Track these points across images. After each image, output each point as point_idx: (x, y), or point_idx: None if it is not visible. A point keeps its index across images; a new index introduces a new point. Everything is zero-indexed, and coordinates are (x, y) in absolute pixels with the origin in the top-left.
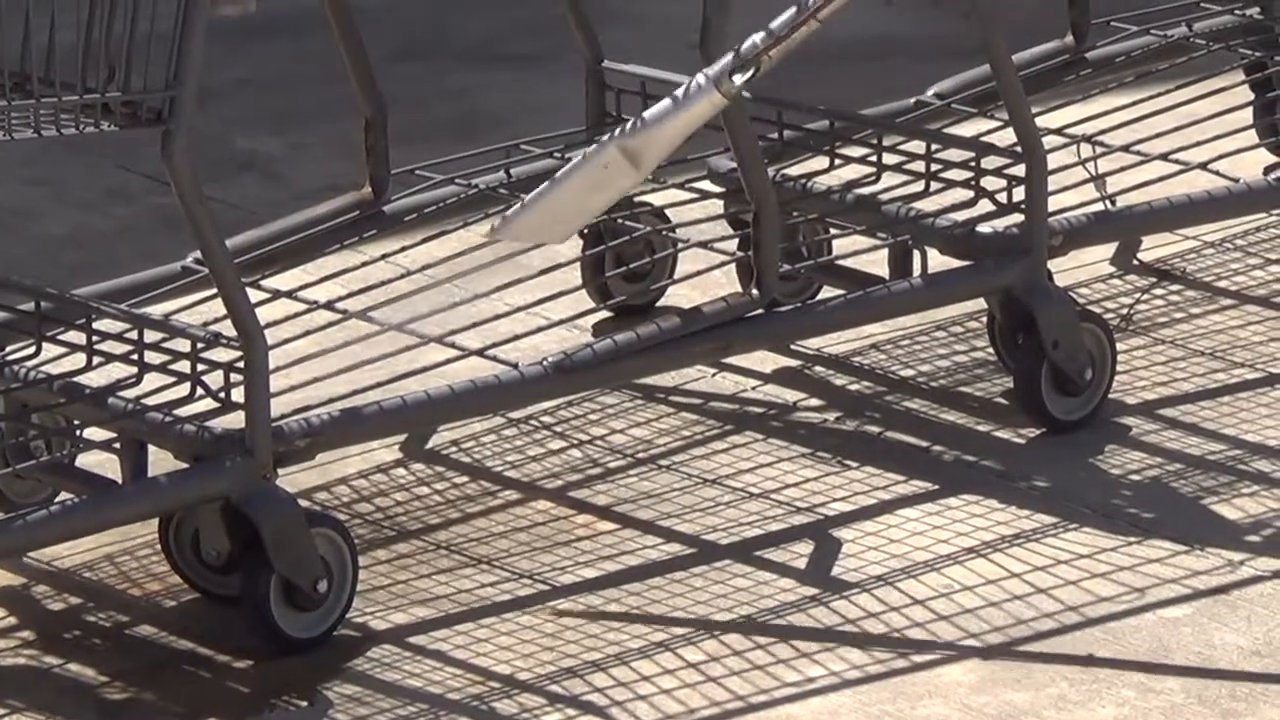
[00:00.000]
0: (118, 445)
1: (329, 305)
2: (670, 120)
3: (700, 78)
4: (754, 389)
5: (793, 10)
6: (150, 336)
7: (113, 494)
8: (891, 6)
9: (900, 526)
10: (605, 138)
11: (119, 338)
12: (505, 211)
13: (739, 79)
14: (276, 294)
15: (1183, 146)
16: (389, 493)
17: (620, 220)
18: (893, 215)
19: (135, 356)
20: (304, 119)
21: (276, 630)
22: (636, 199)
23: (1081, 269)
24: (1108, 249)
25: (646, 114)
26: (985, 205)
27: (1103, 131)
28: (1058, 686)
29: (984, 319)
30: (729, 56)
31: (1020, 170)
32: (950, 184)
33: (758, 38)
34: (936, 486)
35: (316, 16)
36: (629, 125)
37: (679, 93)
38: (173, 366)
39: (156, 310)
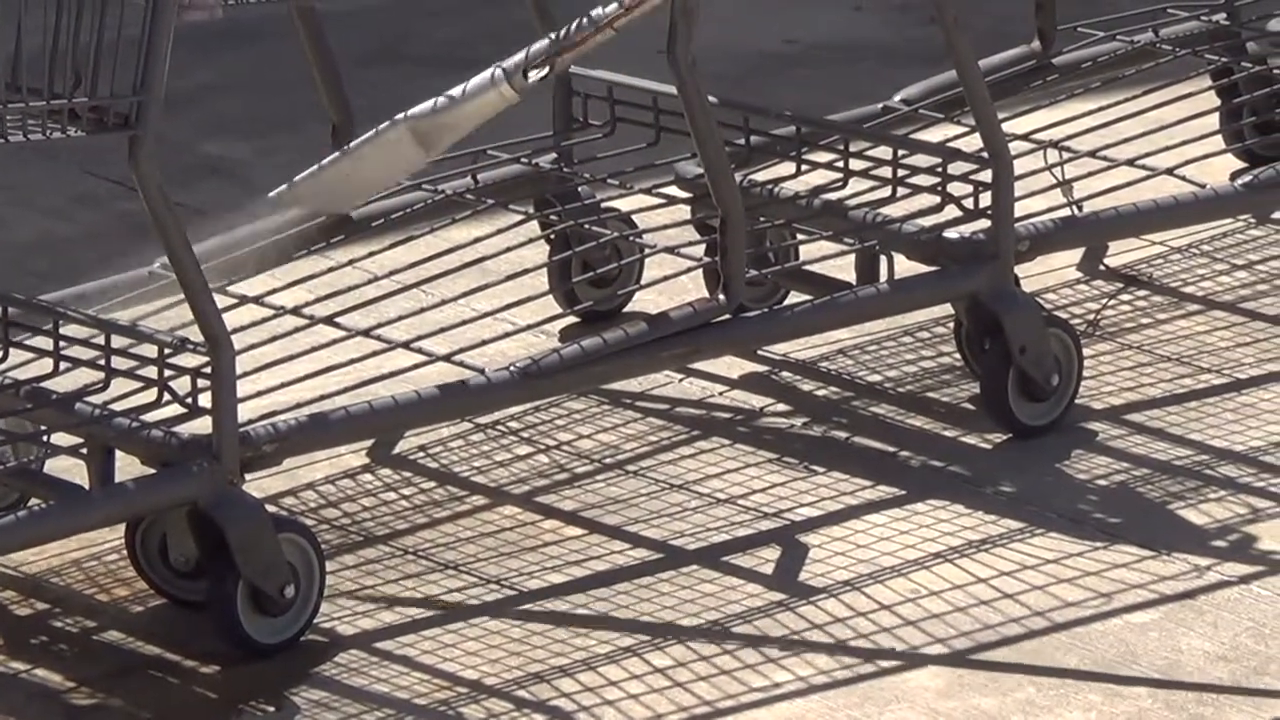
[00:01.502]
0: (85, 451)
1: (296, 310)
2: (460, 108)
3: (495, 71)
4: (721, 394)
5: (586, 18)
6: (117, 342)
7: (80, 499)
8: (859, 11)
9: (867, 532)
10: (398, 116)
11: (86, 343)
12: (293, 181)
13: (532, 75)
14: (243, 299)
15: (1149, 152)
16: (356, 498)
17: (587, 226)
18: (859, 221)
19: (102, 362)
20: (271, 125)
21: (243, 635)
22: (604, 204)
23: (1048, 274)
24: (1074, 254)
25: (439, 99)
26: (952, 211)
27: (1069, 137)
28: (1025, 691)
29: (951, 324)
30: (524, 53)
31: (987, 176)
32: (917, 189)
33: (549, 40)
34: (903, 492)
35: (284, 22)
36: (422, 107)
37: (471, 82)
38: (140, 372)
39: (123, 316)
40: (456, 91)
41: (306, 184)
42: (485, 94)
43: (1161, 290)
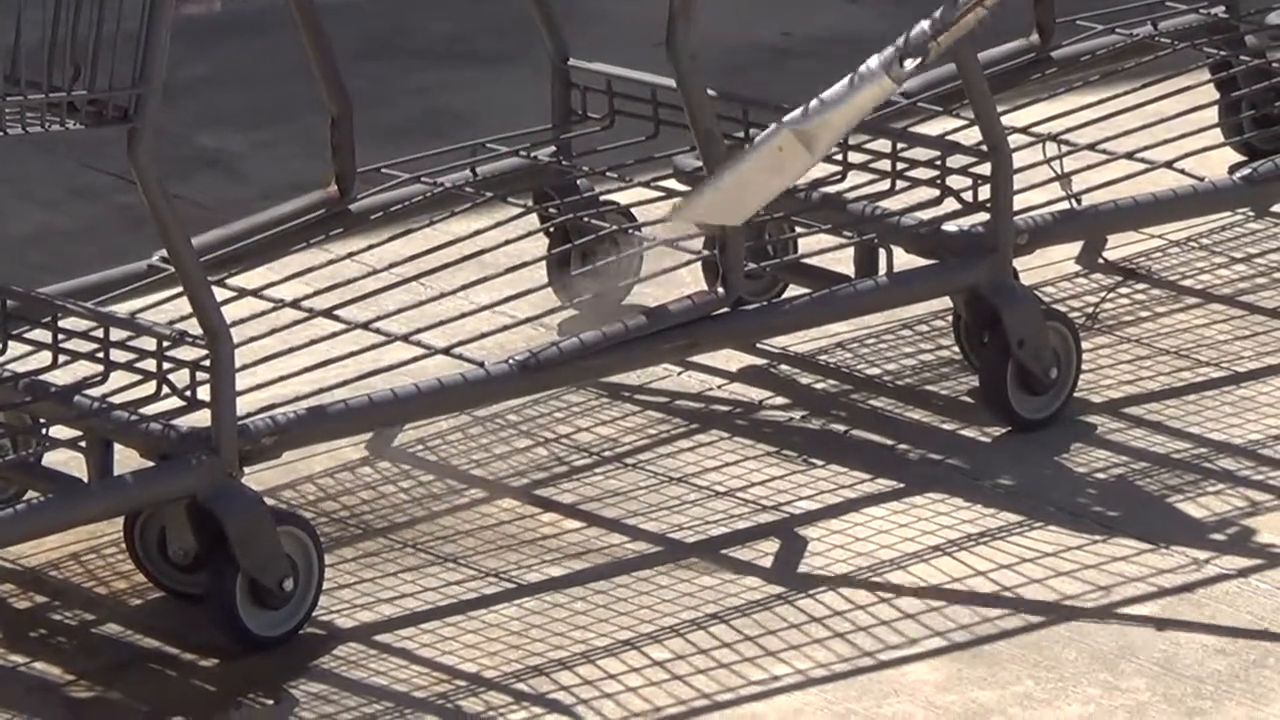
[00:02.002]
0: (83, 444)
1: (295, 304)
2: (841, 105)
3: (871, 63)
4: (720, 387)
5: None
6: (116, 335)
7: (79, 492)
8: (856, 4)
9: (866, 525)
10: (778, 123)
11: (85, 336)
12: (686, 196)
13: (909, 65)
14: (242, 292)
15: (1148, 145)
16: (355, 491)
17: (586, 219)
18: (858, 214)
19: (101, 355)
20: (270, 117)
21: (242, 628)
22: (603, 197)
23: (1047, 267)
24: (1073, 247)
25: (819, 98)
26: (951, 204)
27: (1068, 130)
28: (1023, 684)
29: (949, 317)
30: (899, 42)
31: (986, 169)
32: (916, 182)
33: (925, 24)
34: (902, 485)
35: (282, 15)
36: (802, 110)
37: (850, 78)
38: (138, 365)
39: (122, 309)
40: (833, 91)
41: (699, 199)
42: (865, 89)
43: (1160, 283)
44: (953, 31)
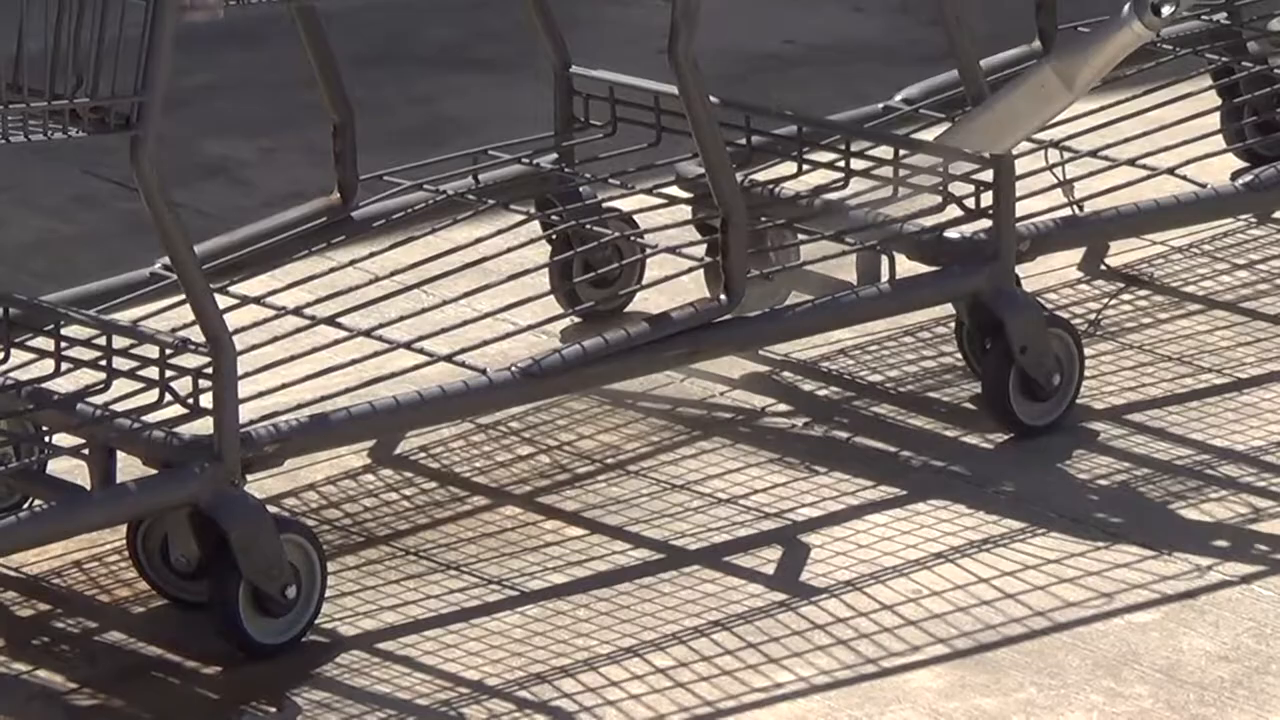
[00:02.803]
0: (86, 451)
1: (297, 311)
2: (1097, 47)
3: (1124, 10)
4: (722, 394)
5: None
6: (119, 343)
7: (81, 500)
8: (860, 12)
9: (868, 532)
10: (1041, 59)
11: (87, 344)
12: (954, 124)
13: (1166, 10)
14: (245, 300)
15: (1150, 152)
16: (357, 498)
17: (589, 226)
18: (861, 220)
19: (104, 362)
20: (272, 125)
21: (245, 636)
22: (605, 204)
23: (1049, 274)
24: (1075, 254)
25: (1076, 40)
26: (953, 210)
27: (1070, 137)
28: (1026, 692)
29: (952, 324)
30: None
31: (988, 176)
32: (918, 189)
33: None
34: (904, 492)
35: (284, 23)
36: (1061, 49)
37: (1104, 24)
38: (141, 372)
39: (125, 316)
40: (1090, 34)
41: (966, 125)
42: (1119, 33)
43: (1162, 290)
44: None
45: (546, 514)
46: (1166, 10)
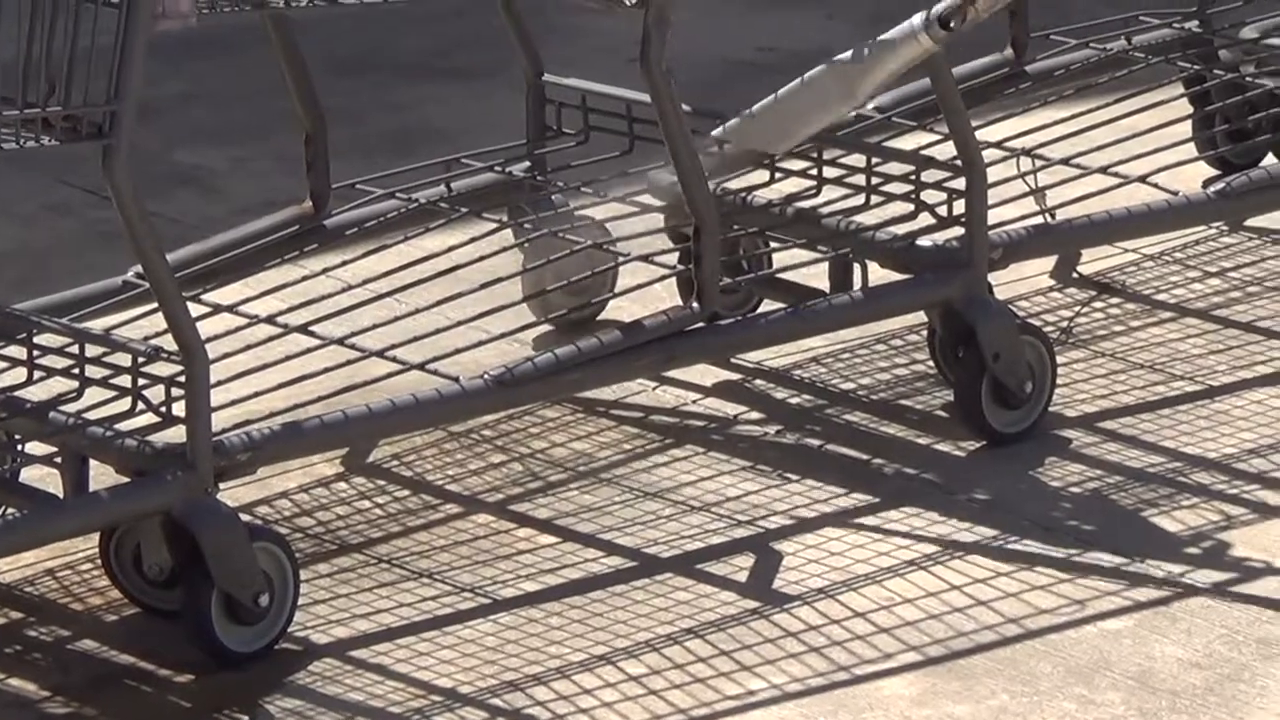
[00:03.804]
0: (59, 459)
1: (270, 319)
2: (881, 56)
3: (914, 20)
4: (695, 402)
5: None
6: (91, 351)
7: (54, 509)
8: (831, 20)
9: (841, 539)
10: (827, 61)
11: (60, 352)
12: (732, 123)
13: (954, 24)
14: (217, 308)
15: (1122, 160)
16: (330, 507)
17: (561, 234)
18: (833, 229)
19: (76, 371)
20: (244, 134)
21: (218, 644)
22: (578, 212)
23: (1021, 282)
24: (1047, 262)
25: (862, 46)
26: (926, 219)
27: (1042, 145)
28: (998, 699)
29: (924, 332)
30: (939, 5)
31: (960, 184)
32: (890, 197)
33: None
34: (877, 499)
35: (256, 32)
36: (848, 53)
37: (890, 33)
38: (114, 381)
39: (97, 325)
40: (875, 42)
41: (743, 125)
42: (904, 45)
43: (1134, 298)
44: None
45: (519, 521)
46: (954, 24)
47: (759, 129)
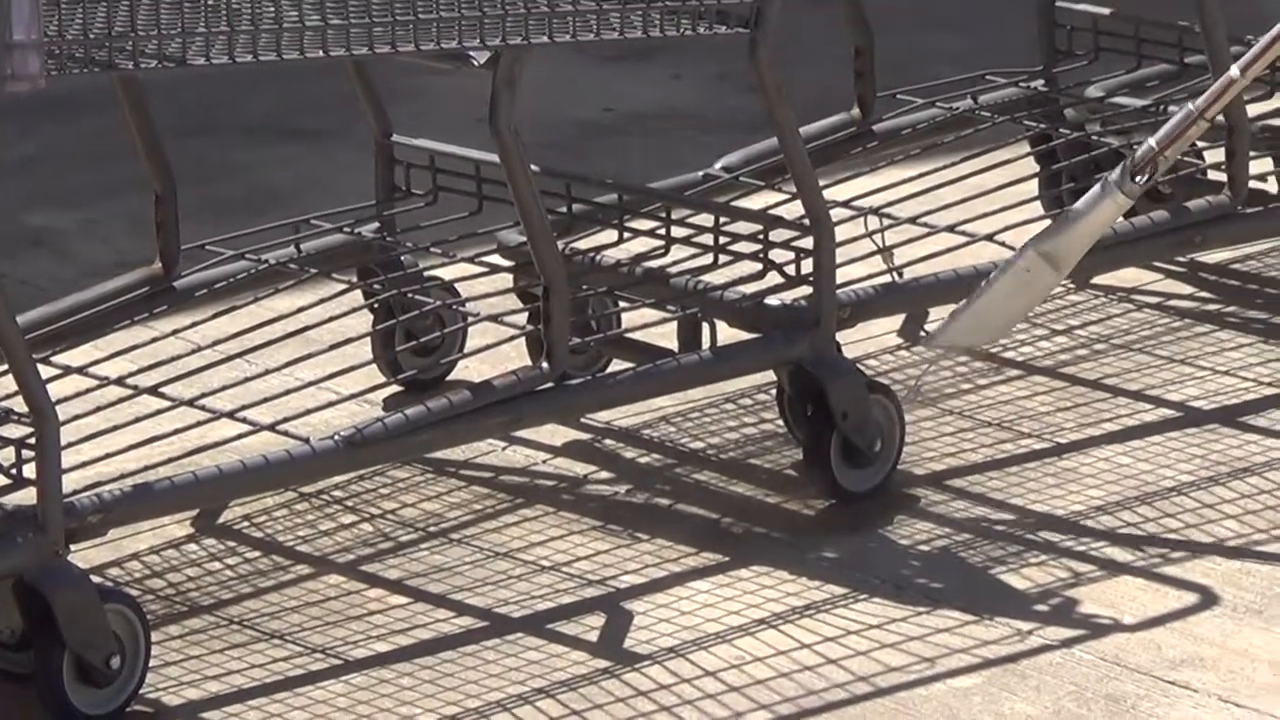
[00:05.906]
0: None
1: (120, 381)
2: (1080, 224)
3: (1109, 177)
4: (545, 462)
5: (1182, 112)
6: None
7: None
8: (678, 80)
9: (691, 598)
10: (1024, 245)
11: None
12: (942, 323)
13: (1140, 180)
14: (67, 370)
15: (969, 218)
16: (181, 568)
17: (410, 295)
18: (681, 288)
19: None
20: (93, 196)
21: (69, 707)
22: (427, 273)
23: (869, 340)
24: (895, 320)
25: (1059, 219)
26: (774, 277)
27: (890, 204)
28: None
29: (773, 391)
30: (1127, 161)
31: (808, 243)
32: (739, 256)
33: (1152, 141)
34: (727, 558)
35: (106, 94)
36: (1044, 231)
37: (1084, 200)
38: None
39: None
40: (1071, 211)
41: (952, 325)
42: (1101, 207)
43: (982, 356)
44: (1176, 145)
45: (370, 582)
46: (1142, 179)
47: (970, 329)
